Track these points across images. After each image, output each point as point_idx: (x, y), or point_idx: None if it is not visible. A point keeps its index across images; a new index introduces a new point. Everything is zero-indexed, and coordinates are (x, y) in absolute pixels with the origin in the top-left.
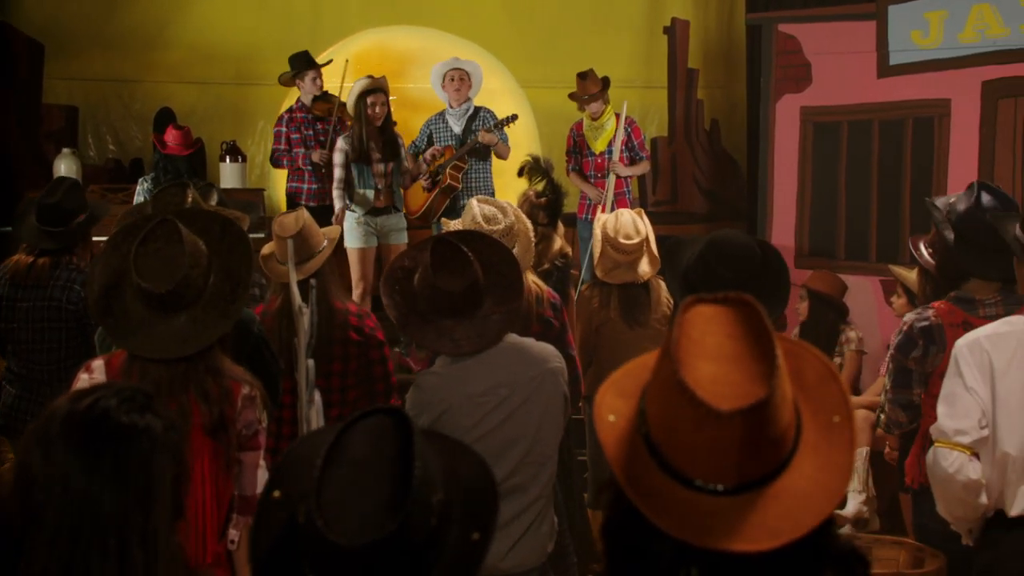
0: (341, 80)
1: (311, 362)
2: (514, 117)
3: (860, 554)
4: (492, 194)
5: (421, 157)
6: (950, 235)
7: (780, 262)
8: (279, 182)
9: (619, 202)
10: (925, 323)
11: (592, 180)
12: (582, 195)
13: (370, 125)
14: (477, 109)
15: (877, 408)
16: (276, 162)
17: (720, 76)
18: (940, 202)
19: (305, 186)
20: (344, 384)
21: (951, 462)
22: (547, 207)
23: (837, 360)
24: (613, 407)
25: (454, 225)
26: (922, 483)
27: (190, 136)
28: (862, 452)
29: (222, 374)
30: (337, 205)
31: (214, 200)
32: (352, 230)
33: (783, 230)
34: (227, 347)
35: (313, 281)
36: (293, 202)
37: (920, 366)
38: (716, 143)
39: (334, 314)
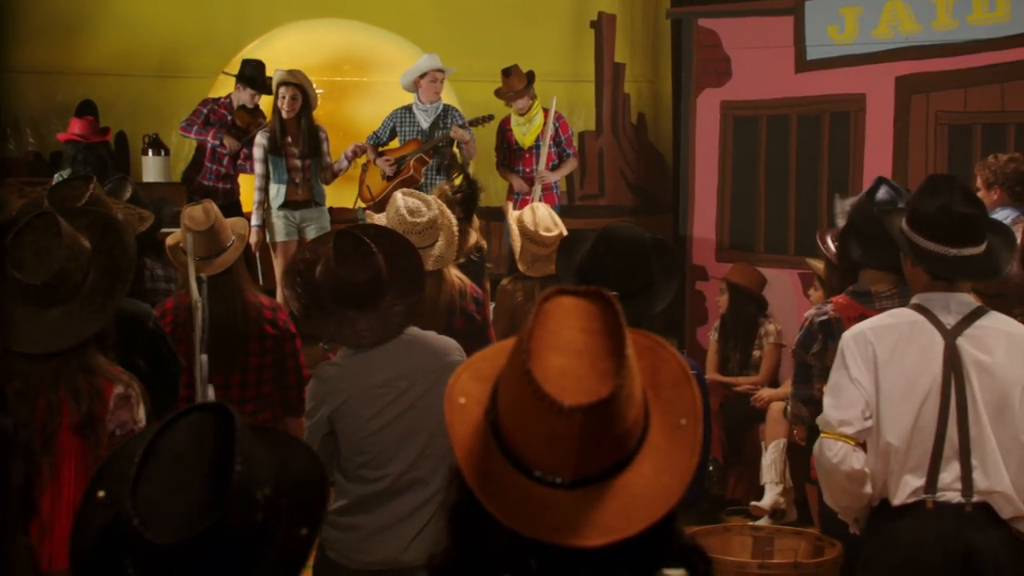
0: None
1: (204, 357)
2: (490, 117)
3: (702, 551)
4: None
5: (343, 154)
6: (840, 224)
7: (671, 255)
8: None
9: (547, 197)
10: (824, 317)
11: (521, 175)
12: (510, 189)
13: (284, 118)
14: (447, 107)
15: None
16: (185, 130)
17: (647, 70)
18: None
19: (198, 178)
20: (260, 378)
21: (835, 452)
22: (463, 202)
23: (756, 353)
24: (465, 389)
25: (378, 218)
26: None
27: (95, 125)
28: (779, 444)
29: (95, 372)
30: (256, 197)
31: (127, 195)
32: (274, 224)
33: (704, 224)
34: (108, 345)
35: (204, 276)
36: (187, 195)
37: (820, 361)
38: (643, 137)
39: (248, 308)
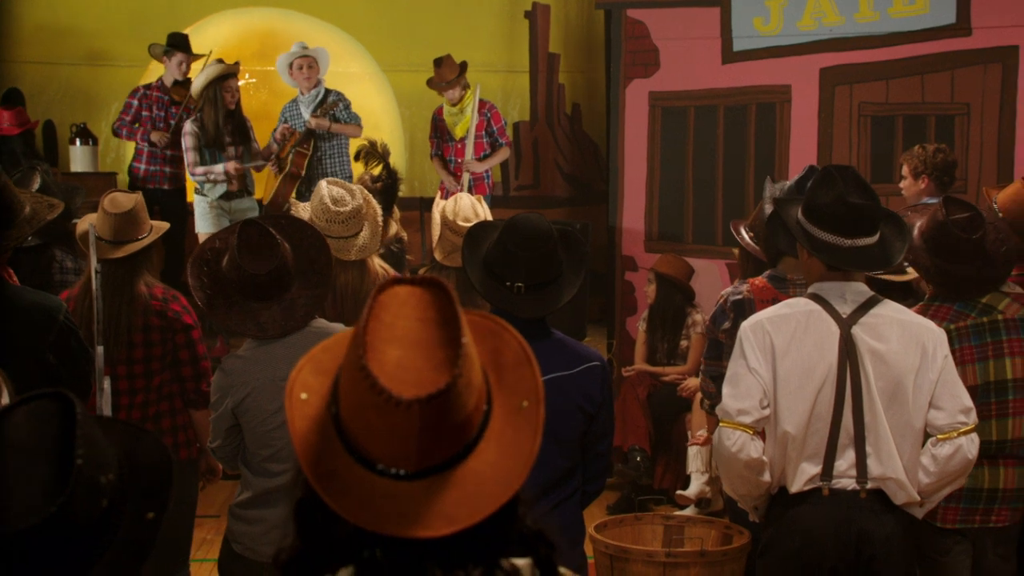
0: (203, 66)
1: (100, 349)
2: (338, 95)
3: (546, 538)
4: (350, 177)
5: (271, 138)
6: (767, 210)
7: (579, 247)
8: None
9: (478, 187)
10: (738, 297)
11: (452, 166)
12: (442, 181)
13: (225, 111)
14: (327, 93)
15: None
16: (116, 131)
17: (581, 61)
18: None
19: (143, 167)
20: (149, 369)
21: (734, 441)
22: (383, 192)
23: (684, 343)
24: (307, 384)
25: (302, 208)
26: None
27: (24, 115)
28: (706, 433)
29: None
30: (199, 178)
31: (36, 184)
32: (205, 214)
33: (633, 214)
34: None
35: (98, 266)
36: (133, 184)
37: (730, 339)
38: (577, 128)
39: (134, 299)
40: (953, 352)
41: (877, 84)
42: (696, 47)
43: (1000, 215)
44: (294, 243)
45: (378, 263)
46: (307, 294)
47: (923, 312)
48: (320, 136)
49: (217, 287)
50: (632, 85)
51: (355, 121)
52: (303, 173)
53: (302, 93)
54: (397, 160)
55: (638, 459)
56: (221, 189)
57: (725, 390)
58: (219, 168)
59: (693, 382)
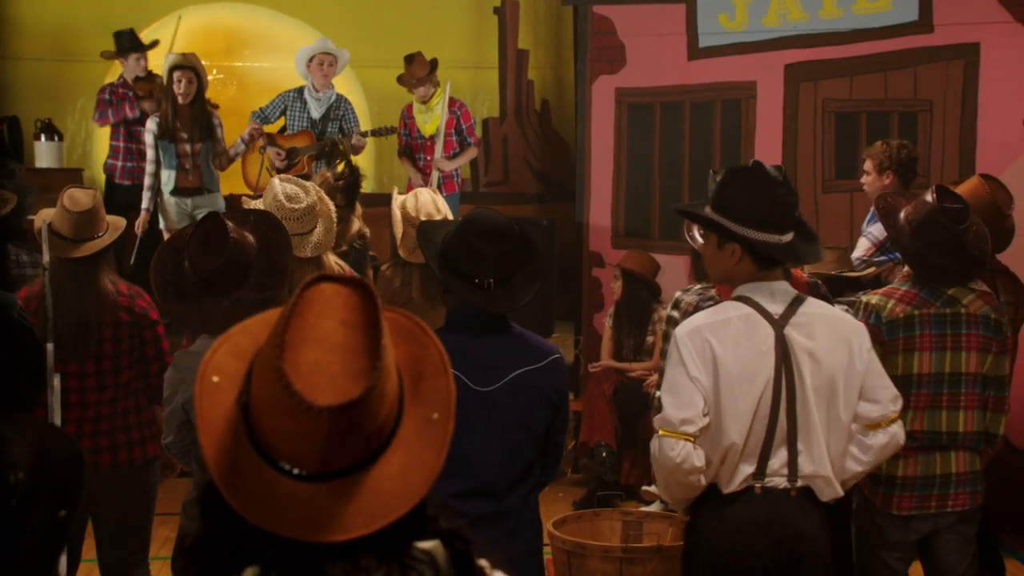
0: (170, 48)
1: (50, 346)
2: (392, 129)
3: (460, 534)
4: None
5: (240, 137)
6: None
7: (535, 244)
8: (99, 162)
9: (447, 185)
10: (710, 302)
11: (421, 163)
12: (411, 178)
13: (176, 103)
14: (339, 98)
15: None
16: (100, 120)
17: (550, 57)
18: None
19: (120, 163)
20: (117, 365)
21: (677, 452)
22: (345, 189)
23: (650, 339)
24: (221, 366)
25: (254, 204)
26: None
27: None
28: None
29: None
30: (147, 182)
31: None
32: (168, 210)
33: (600, 211)
34: None
35: (47, 263)
36: (110, 180)
37: None
38: (547, 124)
39: (102, 296)
40: (912, 338)
41: (841, 81)
42: (662, 43)
43: None
44: (264, 242)
45: (333, 259)
46: (258, 296)
47: (890, 295)
48: (333, 147)
49: (176, 276)
50: (599, 81)
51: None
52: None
53: (314, 89)
54: (366, 157)
55: (604, 455)
56: (171, 185)
57: (666, 399)
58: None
59: (659, 378)
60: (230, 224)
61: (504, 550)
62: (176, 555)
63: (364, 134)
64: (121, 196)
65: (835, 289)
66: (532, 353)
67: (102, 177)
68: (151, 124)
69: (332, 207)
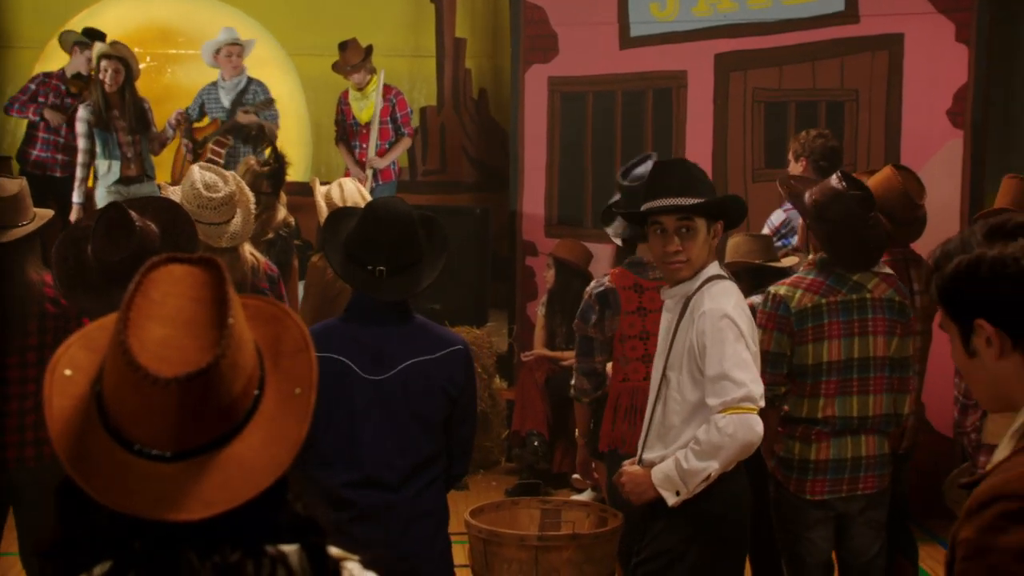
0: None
1: None
2: (270, 101)
3: (317, 525)
4: None
5: (167, 122)
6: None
7: (440, 231)
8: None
9: (384, 174)
10: (601, 289)
11: (358, 151)
12: (348, 167)
13: (107, 91)
14: (249, 82)
15: None
16: (8, 108)
17: (487, 45)
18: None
19: (35, 152)
20: (41, 357)
21: (760, 426)
22: (270, 176)
23: None
24: (75, 360)
25: (171, 191)
26: (614, 447)
27: None
28: None
29: None
30: (79, 173)
31: None
32: (103, 201)
33: (533, 199)
34: None
35: None
36: (23, 168)
37: (600, 332)
38: (484, 113)
39: (28, 287)
40: (821, 327)
41: (770, 70)
42: (594, 33)
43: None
44: (166, 229)
45: (249, 250)
46: None
47: (797, 284)
48: (238, 131)
49: (80, 269)
50: (531, 70)
51: (274, 119)
52: (221, 162)
53: (223, 79)
54: (303, 146)
55: (536, 444)
56: (115, 175)
57: (741, 375)
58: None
59: None
60: (133, 214)
61: (396, 543)
62: (29, 555)
63: (247, 110)
64: (43, 186)
65: (760, 279)
66: (429, 343)
67: (16, 166)
68: (83, 112)
69: (252, 198)
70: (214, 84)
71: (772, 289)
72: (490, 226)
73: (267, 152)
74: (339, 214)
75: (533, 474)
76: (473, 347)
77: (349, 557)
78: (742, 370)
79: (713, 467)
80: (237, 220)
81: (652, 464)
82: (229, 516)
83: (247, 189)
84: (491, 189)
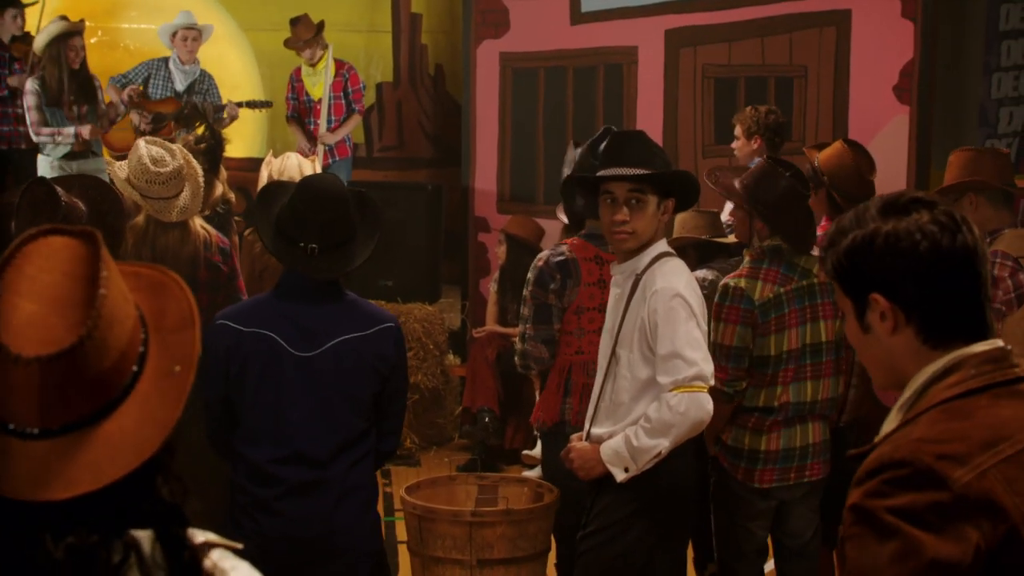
0: (38, 21)
1: None
2: (268, 103)
3: (179, 512)
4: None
5: (119, 97)
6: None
7: (374, 209)
8: None
9: (339, 149)
10: (561, 258)
11: (311, 127)
12: (299, 143)
13: (68, 69)
14: (204, 74)
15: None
16: None
17: (443, 21)
18: None
19: (6, 128)
20: None
21: (711, 404)
22: (206, 152)
23: None
24: None
25: (118, 167)
26: (555, 422)
27: None
28: None
29: None
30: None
31: None
32: (48, 175)
33: (485, 175)
34: None
35: None
36: None
37: (559, 300)
38: (441, 88)
39: None
40: (782, 317)
41: (720, 46)
42: (545, 8)
43: (824, 177)
44: (93, 206)
45: (200, 224)
46: None
47: (754, 276)
48: (198, 116)
49: (4, 245)
50: (483, 46)
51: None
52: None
53: (180, 61)
54: (256, 122)
55: (486, 420)
56: (64, 150)
57: (692, 354)
58: (69, 130)
59: None
60: (59, 189)
61: (326, 518)
62: None
63: (240, 104)
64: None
65: (705, 254)
66: (359, 321)
67: None
68: (31, 85)
69: (199, 170)
70: (164, 61)
71: (731, 282)
72: (443, 202)
73: (201, 130)
74: (271, 189)
75: (484, 450)
76: (425, 324)
77: (220, 543)
78: (693, 349)
79: (664, 445)
80: (186, 194)
81: (600, 440)
82: (92, 497)
83: (194, 162)
84: (448, 165)
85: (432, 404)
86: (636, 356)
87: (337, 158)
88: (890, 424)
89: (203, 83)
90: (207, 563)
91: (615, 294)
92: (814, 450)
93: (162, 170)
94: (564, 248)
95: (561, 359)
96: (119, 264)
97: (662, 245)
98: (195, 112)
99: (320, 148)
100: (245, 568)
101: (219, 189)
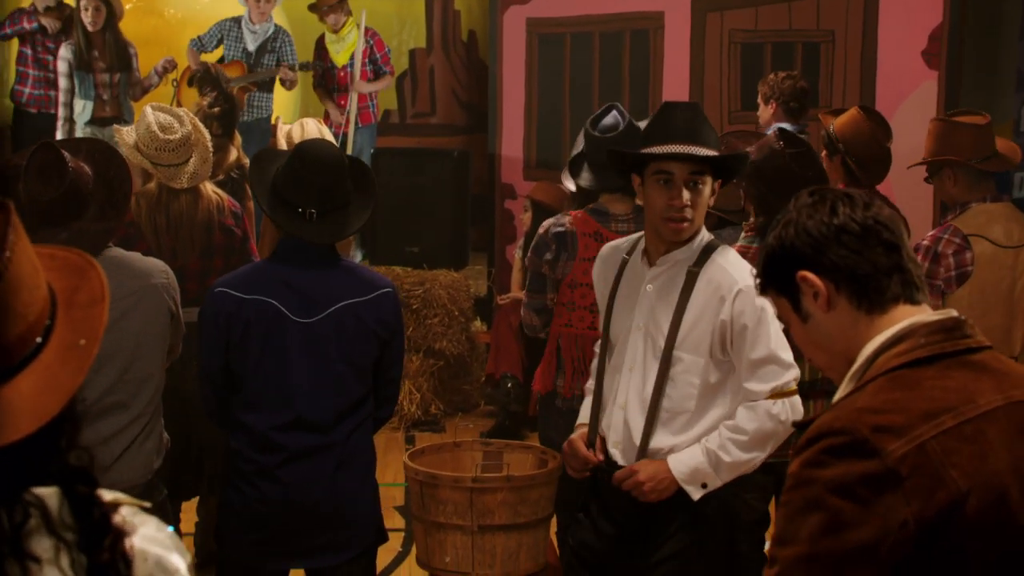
0: None
1: None
2: (312, 65)
3: (87, 475)
4: (271, 112)
5: (153, 68)
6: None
7: (369, 176)
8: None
9: (363, 116)
10: (560, 229)
11: (335, 94)
12: (326, 114)
13: (89, 31)
14: (277, 31)
15: None
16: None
17: None
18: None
19: (27, 91)
20: None
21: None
22: (220, 117)
23: None
24: None
25: (126, 132)
26: (547, 391)
27: None
28: None
29: None
30: (60, 112)
31: None
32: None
33: (512, 142)
34: None
35: None
36: (18, 108)
37: (552, 271)
38: (474, 55)
39: None
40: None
41: (747, 11)
42: None
43: (839, 144)
44: (100, 171)
45: (211, 188)
46: (99, 226)
47: (744, 253)
48: (262, 86)
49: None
50: (510, 11)
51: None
52: (244, 108)
53: (252, 21)
54: (292, 91)
55: (509, 386)
56: (87, 115)
57: (790, 356)
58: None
59: None
60: (66, 154)
61: (327, 485)
62: None
63: (292, 67)
64: (30, 124)
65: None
66: (358, 286)
67: (11, 105)
68: (65, 52)
69: (208, 136)
70: (236, 21)
71: None
72: (469, 168)
73: (214, 94)
74: (264, 155)
75: (508, 417)
76: (451, 290)
77: (128, 502)
78: (786, 351)
79: (760, 457)
80: (195, 160)
81: (659, 454)
82: None
83: (203, 129)
84: (480, 131)
85: (458, 371)
86: (707, 360)
87: (360, 124)
88: (839, 393)
89: (275, 42)
90: (116, 519)
91: (652, 287)
92: None
93: (171, 137)
94: (566, 220)
95: (553, 329)
96: (36, 246)
97: (706, 233)
98: (207, 76)
99: (352, 101)
100: (154, 523)
101: (233, 154)
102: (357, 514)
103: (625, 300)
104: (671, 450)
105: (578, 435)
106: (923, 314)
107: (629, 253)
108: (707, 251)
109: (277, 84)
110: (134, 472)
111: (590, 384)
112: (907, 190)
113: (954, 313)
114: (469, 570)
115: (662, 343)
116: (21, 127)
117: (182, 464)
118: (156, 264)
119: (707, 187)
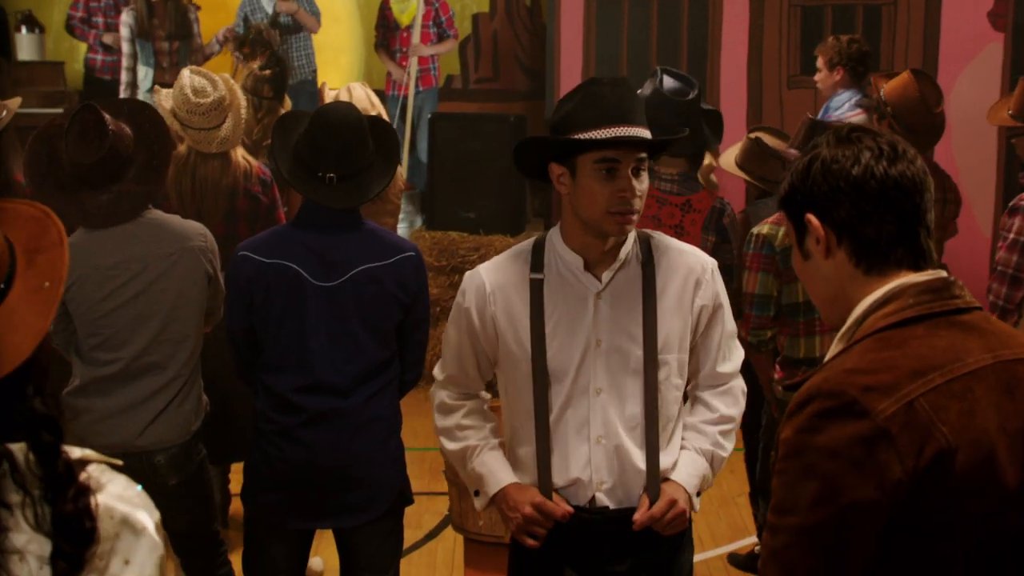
0: None
1: None
2: None
3: (52, 422)
4: (314, 71)
5: (214, 36)
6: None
7: (392, 138)
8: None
9: (424, 80)
10: None
11: (398, 56)
12: (389, 72)
13: (150, 1)
14: None
15: None
16: (70, 29)
17: None
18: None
19: (99, 57)
20: None
21: None
22: (271, 79)
23: None
24: None
25: (164, 95)
26: None
27: None
28: None
29: None
30: (124, 78)
31: None
32: None
33: None
34: None
35: None
36: (91, 74)
37: None
38: (537, 20)
39: (11, 188)
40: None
41: None
42: None
43: (887, 108)
44: (141, 133)
45: (241, 154)
46: (139, 189)
47: (779, 223)
48: (287, 30)
49: (52, 167)
50: None
51: (316, 15)
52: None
53: None
54: (352, 52)
55: None
56: (148, 82)
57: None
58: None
59: None
60: (107, 116)
61: (346, 448)
62: None
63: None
64: (102, 90)
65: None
66: (380, 250)
67: (83, 72)
68: (127, 18)
69: (243, 101)
70: None
71: (755, 230)
72: (526, 134)
73: (265, 55)
74: (289, 117)
75: None
76: None
77: (98, 459)
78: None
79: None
80: (228, 125)
81: (665, 473)
82: None
83: (239, 93)
84: (541, 97)
85: None
86: (682, 357)
87: (421, 88)
88: (830, 353)
89: None
90: (83, 476)
91: (604, 299)
92: None
93: (203, 100)
94: None
95: None
96: None
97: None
98: (259, 39)
99: (412, 63)
100: (123, 480)
101: None
102: (376, 476)
103: (566, 324)
104: (673, 466)
105: (531, 495)
106: (913, 275)
107: (537, 271)
108: (644, 241)
109: (315, 41)
110: (172, 432)
111: (498, 440)
112: (973, 153)
113: (943, 274)
114: (502, 533)
115: (639, 353)
116: (92, 94)
117: (224, 426)
118: (195, 227)
119: (647, 173)
